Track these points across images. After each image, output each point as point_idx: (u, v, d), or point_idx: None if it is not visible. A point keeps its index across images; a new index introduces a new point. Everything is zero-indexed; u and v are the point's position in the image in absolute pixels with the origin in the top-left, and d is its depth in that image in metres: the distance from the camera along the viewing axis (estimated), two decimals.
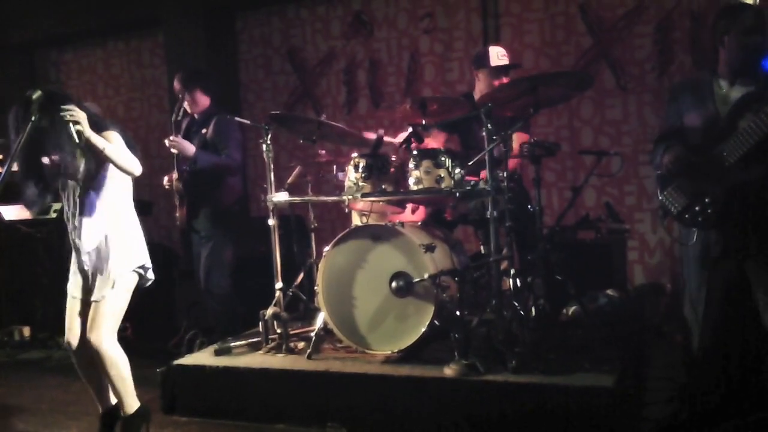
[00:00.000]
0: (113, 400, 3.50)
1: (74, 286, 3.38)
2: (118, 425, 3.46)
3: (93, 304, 3.28)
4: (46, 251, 5.76)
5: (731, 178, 3.05)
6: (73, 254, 3.37)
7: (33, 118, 3.01)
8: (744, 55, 3.12)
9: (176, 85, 5.08)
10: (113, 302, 3.30)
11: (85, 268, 3.31)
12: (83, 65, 8.09)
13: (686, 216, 3.18)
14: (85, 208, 3.29)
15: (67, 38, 7.93)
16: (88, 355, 3.37)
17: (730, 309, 3.24)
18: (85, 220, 3.29)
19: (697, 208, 3.13)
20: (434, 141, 4.51)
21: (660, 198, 3.30)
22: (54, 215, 5.55)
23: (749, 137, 2.98)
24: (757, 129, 2.95)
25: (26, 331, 6.06)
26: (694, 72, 5.38)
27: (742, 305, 3.23)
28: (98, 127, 3.20)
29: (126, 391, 3.39)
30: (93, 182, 3.28)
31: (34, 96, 3.04)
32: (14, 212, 5.69)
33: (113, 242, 3.30)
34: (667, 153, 3.22)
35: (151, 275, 3.43)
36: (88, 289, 3.32)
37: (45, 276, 5.85)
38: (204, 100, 5.08)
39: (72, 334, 3.40)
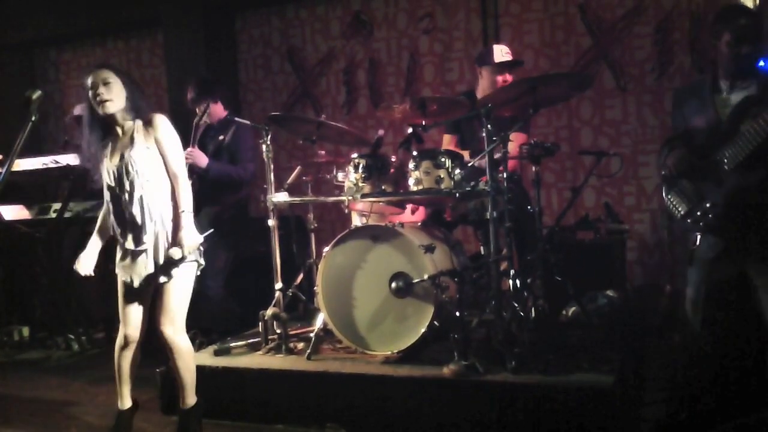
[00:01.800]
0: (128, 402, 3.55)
1: (130, 276, 3.34)
2: (177, 420, 3.53)
3: (161, 294, 3.31)
4: (45, 251, 5.75)
5: (732, 181, 3.07)
6: (122, 249, 3.35)
7: (33, 118, 3.00)
8: (736, 62, 3.14)
9: (189, 96, 5.10)
10: (182, 289, 3.34)
11: (148, 255, 3.30)
12: (82, 65, 8.08)
13: (689, 219, 3.20)
14: (148, 203, 3.29)
15: (67, 38, 7.94)
16: (137, 350, 3.44)
17: (729, 309, 3.25)
18: (147, 214, 3.29)
19: (698, 212, 3.15)
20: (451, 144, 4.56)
21: (665, 201, 3.33)
22: (53, 215, 5.55)
23: (749, 141, 3.00)
24: (755, 134, 2.97)
25: (25, 330, 6.05)
26: (694, 73, 5.40)
27: (741, 306, 3.24)
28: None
29: (190, 383, 3.46)
30: (144, 163, 3.31)
31: (34, 95, 3.04)
32: (13, 212, 5.69)
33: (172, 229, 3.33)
34: (670, 154, 3.25)
35: (202, 260, 3.43)
36: (151, 276, 3.31)
37: (44, 276, 5.84)
38: (219, 111, 5.14)
39: (131, 327, 3.40)
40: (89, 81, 3.25)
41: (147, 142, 3.31)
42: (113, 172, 3.31)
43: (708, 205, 3.12)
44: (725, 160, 3.08)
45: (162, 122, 3.34)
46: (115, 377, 3.49)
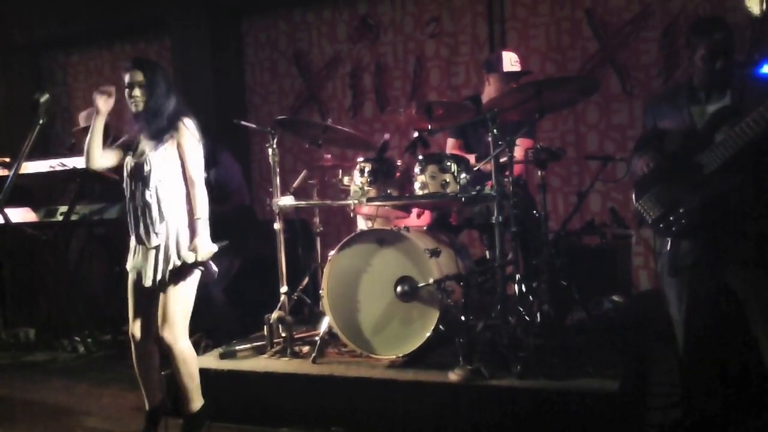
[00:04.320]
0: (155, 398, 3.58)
1: (138, 273, 3.35)
2: (182, 423, 3.52)
3: (162, 297, 3.32)
4: (51, 253, 5.77)
5: (707, 189, 3.07)
6: (134, 246, 3.38)
7: (41, 121, 3.02)
8: (710, 76, 3.14)
9: None
10: (183, 294, 3.35)
11: (154, 259, 3.31)
12: (90, 67, 8.12)
13: (661, 225, 3.20)
14: (159, 201, 3.31)
15: (74, 40, 7.97)
16: (150, 349, 3.46)
17: (710, 315, 3.24)
18: (158, 212, 3.31)
19: (671, 218, 3.14)
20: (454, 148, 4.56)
21: (635, 206, 3.32)
22: (60, 218, 5.57)
23: (725, 150, 3.01)
24: (732, 142, 2.99)
25: (31, 332, 6.05)
26: None
27: (723, 311, 3.24)
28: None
29: (193, 389, 3.46)
30: (160, 162, 3.34)
31: (42, 98, 3.05)
32: (20, 214, 5.71)
33: (183, 233, 3.35)
34: (642, 157, 3.24)
35: (214, 267, 3.46)
36: (155, 281, 3.32)
37: (50, 278, 5.86)
38: None
39: (137, 326, 3.43)
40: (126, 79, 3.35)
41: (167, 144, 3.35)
42: (131, 166, 3.36)
43: (682, 210, 3.11)
44: (702, 166, 3.08)
45: (186, 127, 3.38)
46: (138, 379, 3.53)
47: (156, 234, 3.30)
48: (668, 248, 3.21)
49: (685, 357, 3.30)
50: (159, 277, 3.30)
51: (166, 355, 3.42)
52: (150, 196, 3.30)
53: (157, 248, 3.31)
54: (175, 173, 3.37)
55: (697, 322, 3.24)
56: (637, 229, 3.44)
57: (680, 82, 3.43)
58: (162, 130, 3.33)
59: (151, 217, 3.30)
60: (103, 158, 3.41)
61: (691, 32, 3.26)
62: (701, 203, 3.07)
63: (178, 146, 3.36)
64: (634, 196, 3.33)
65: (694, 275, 3.19)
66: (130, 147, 3.43)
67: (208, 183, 4.84)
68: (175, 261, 3.32)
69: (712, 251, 3.13)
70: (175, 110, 3.38)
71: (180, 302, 3.35)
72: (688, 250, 3.17)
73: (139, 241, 3.35)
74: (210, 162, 4.93)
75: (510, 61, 4.50)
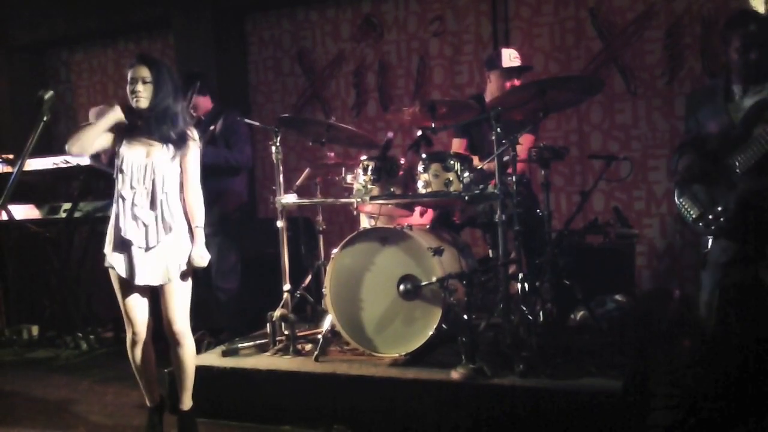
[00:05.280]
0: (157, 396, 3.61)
1: (131, 273, 3.33)
2: (177, 421, 3.55)
3: (168, 294, 3.34)
4: (54, 250, 5.77)
5: (744, 185, 3.07)
6: (128, 244, 3.33)
7: (45, 118, 3.02)
8: (746, 68, 3.15)
9: None
10: (185, 286, 3.40)
11: (158, 261, 3.32)
12: (93, 66, 8.12)
13: (701, 223, 3.21)
14: (167, 208, 3.33)
15: (78, 39, 7.96)
16: (148, 347, 3.47)
17: (743, 313, 3.25)
18: (163, 219, 3.32)
19: (710, 216, 3.15)
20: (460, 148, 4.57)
21: (677, 205, 3.34)
22: (63, 215, 5.57)
23: (762, 145, 3.00)
24: (764, 139, 2.97)
25: (34, 329, 6.07)
26: (704, 77, 5.38)
27: (755, 310, 3.24)
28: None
29: (190, 385, 3.50)
30: (168, 170, 3.36)
31: (46, 96, 3.05)
32: (24, 211, 5.72)
33: (180, 226, 3.38)
34: (681, 160, 3.26)
35: None
36: (156, 276, 3.33)
37: (53, 275, 5.87)
38: (204, 102, 5.11)
39: (138, 326, 3.43)
40: (129, 75, 3.33)
41: (172, 152, 3.36)
42: (133, 166, 3.33)
43: (720, 209, 3.12)
44: (737, 164, 3.08)
45: (194, 138, 3.42)
46: (136, 377, 3.53)
47: (160, 240, 3.31)
48: (709, 246, 3.22)
49: (712, 351, 3.31)
50: (168, 276, 3.32)
51: (168, 352, 3.44)
52: (156, 202, 3.31)
53: (161, 251, 3.31)
54: (177, 179, 3.40)
55: (726, 317, 3.24)
56: (678, 229, 3.46)
57: (717, 80, 3.44)
58: (173, 141, 3.33)
59: (155, 223, 3.31)
60: (93, 147, 3.41)
61: (725, 25, 3.27)
62: (737, 201, 3.08)
63: (182, 156, 3.39)
64: (675, 196, 3.36)
65: (728, 272, 3.20)
66: (123, 134, 3.40)
67: (213, 134, 4.92)
68: (183, 264, 3.36)
69: (748, 248, 3.14)
70: (184, 120, 3.39)
71: (187, 298, 3.42)
72: (725, 247, 3.19)
73: (138, 242, 3.31)
74: (216, 116, 4.98)
75: (509, 57, 4.51)
